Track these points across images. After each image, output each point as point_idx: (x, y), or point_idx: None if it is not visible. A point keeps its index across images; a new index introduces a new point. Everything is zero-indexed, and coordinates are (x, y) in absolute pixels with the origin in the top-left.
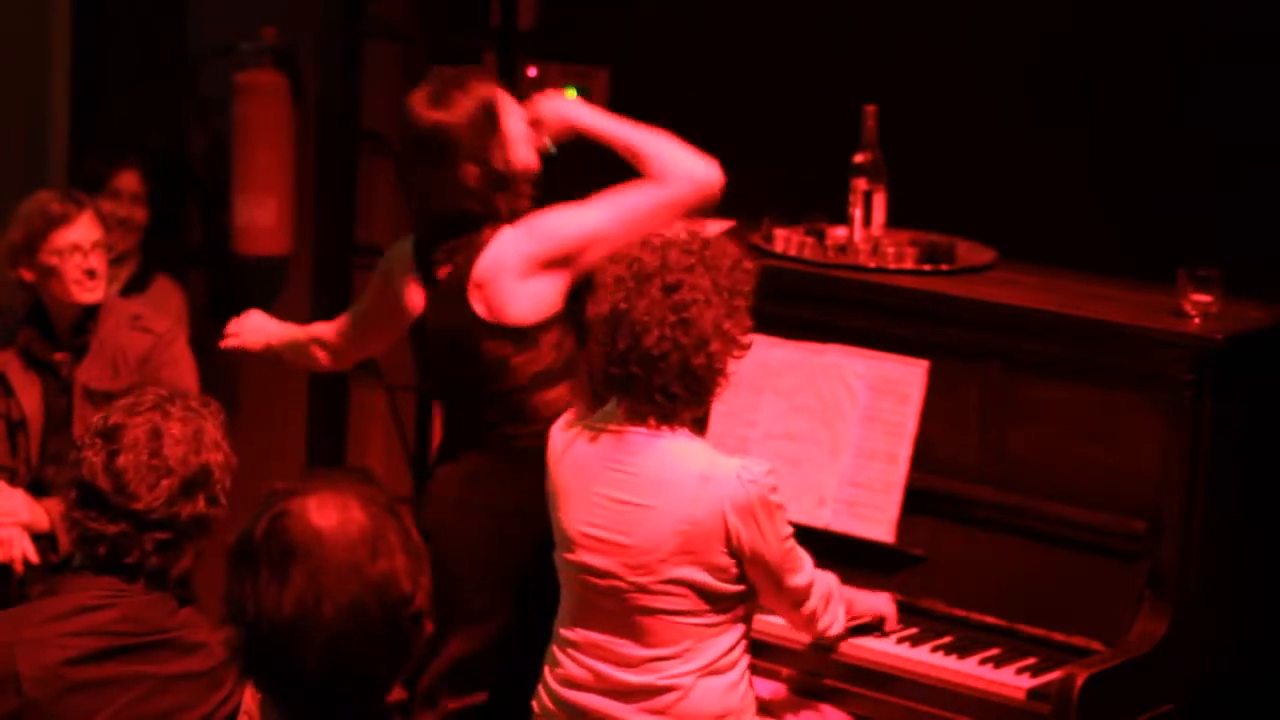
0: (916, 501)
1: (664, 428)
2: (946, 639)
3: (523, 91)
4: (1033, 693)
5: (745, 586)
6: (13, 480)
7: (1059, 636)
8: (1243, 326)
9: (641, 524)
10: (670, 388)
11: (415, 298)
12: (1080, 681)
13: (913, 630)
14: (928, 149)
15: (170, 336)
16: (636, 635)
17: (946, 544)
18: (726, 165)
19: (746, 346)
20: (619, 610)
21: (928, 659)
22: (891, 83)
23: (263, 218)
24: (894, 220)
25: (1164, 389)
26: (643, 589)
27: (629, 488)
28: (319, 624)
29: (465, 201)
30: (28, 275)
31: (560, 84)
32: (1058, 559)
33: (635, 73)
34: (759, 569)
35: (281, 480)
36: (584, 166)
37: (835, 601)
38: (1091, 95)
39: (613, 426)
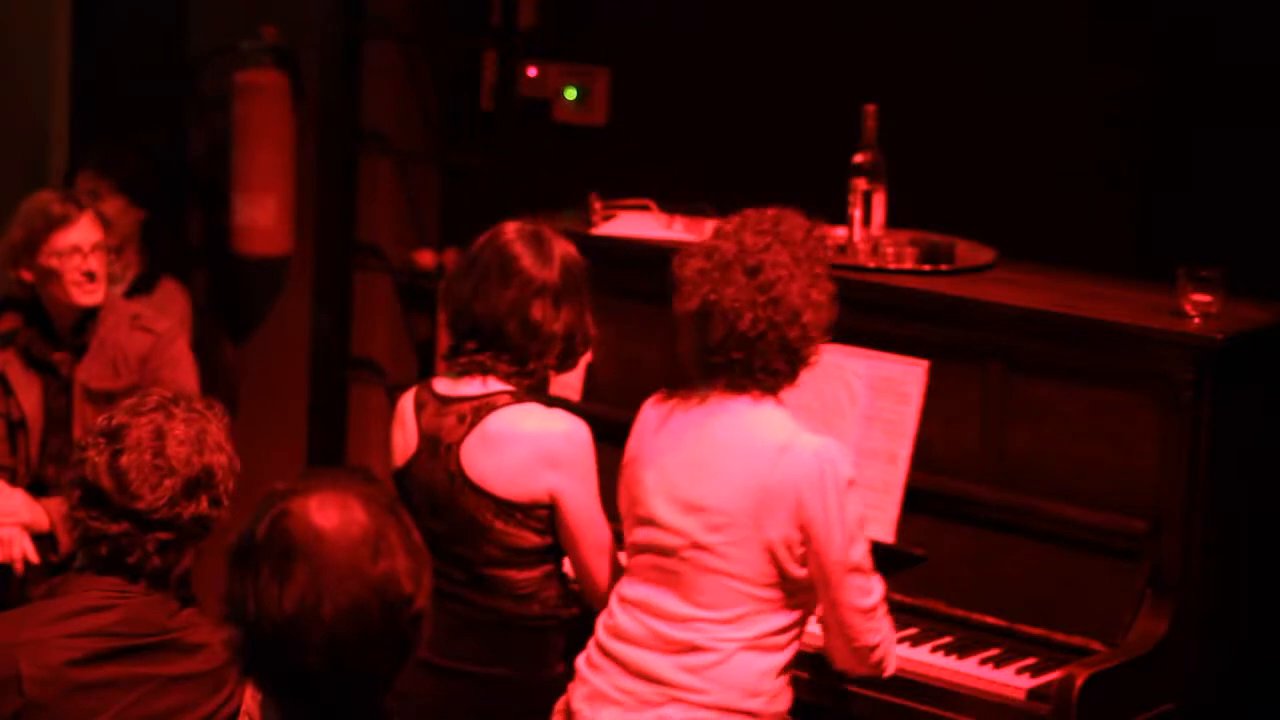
0: (916, 501)
1: (763, 398)
2: (946, 639)
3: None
4: (1033, 693)
5: (808, 576)
6: (13, 480)
7: (1059, 636)
8: (1243, 326)
9: (717, 486)
10: (772, 364)
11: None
12: (1080, 681)
13: (913, 630)
14: (928, 149)
15: (170, 336)
16: (694, 595)
17: (946, 544)
18: (726, 165)
19: (834, 311)
20: (682, 569)
21: (928, 659)
22: (891, 82)
23: (263, 218)
24: (894, 220)
25: (1164, 389)
26: (709, 549)
27: (710, 450)
28: (319, 624)
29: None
30: (28, 276)
31: (560, 84)
32: (1058, 559)
33: (635, 73)
34: (819, 558)
35: (281, 480)
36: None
37: (893, 640)
38: (1092, 95)
39: (704, 394)
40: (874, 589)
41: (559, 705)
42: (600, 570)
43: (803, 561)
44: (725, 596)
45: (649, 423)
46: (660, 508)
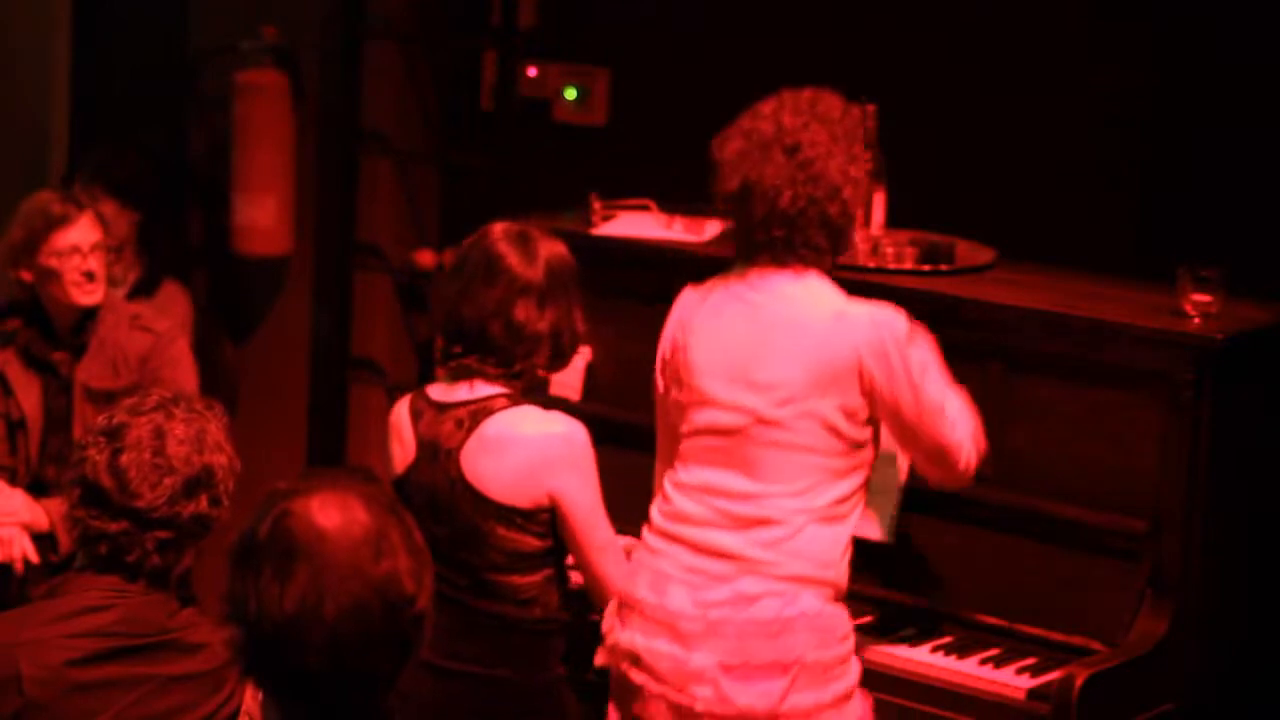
0: (916, 501)
1: (805, 270)
2: (946, 639)
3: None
4: (1033, 693)
5: (871, 433)
6: (13, 480)
7: (1059, 636)
8: (1243, 326)
9: (777, 362)
10: (813, 240)
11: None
12: (1080, 681)
13: (912, 630)
14: (928, 149)
15: (170, 336)
16: (759, 470)
17: (946, 544)
18: None
19: (868, 189)
20: (744, 447)
21: (928, 659)
22: (891, 82)
23: (263, 218)
24: (894, 220)
25: (1164, 389)
26: (775, 424)
27: (763, 327)
28: (321, 624)
29: (492, 326)
30: (27, 276)
31: (560, 84)
32: (1058, 559)
33: (635, 73)
34: (897, 417)
35: (282, 480)
36: None
37: (977, 439)
38: (1092, 95)
39: (747, 272)
40: (955, 420)
41: (610, 609)
42: (606, 569)
43: (867, 424)
44: (791, 469)
45: (688, 306)
46: (717, 388)
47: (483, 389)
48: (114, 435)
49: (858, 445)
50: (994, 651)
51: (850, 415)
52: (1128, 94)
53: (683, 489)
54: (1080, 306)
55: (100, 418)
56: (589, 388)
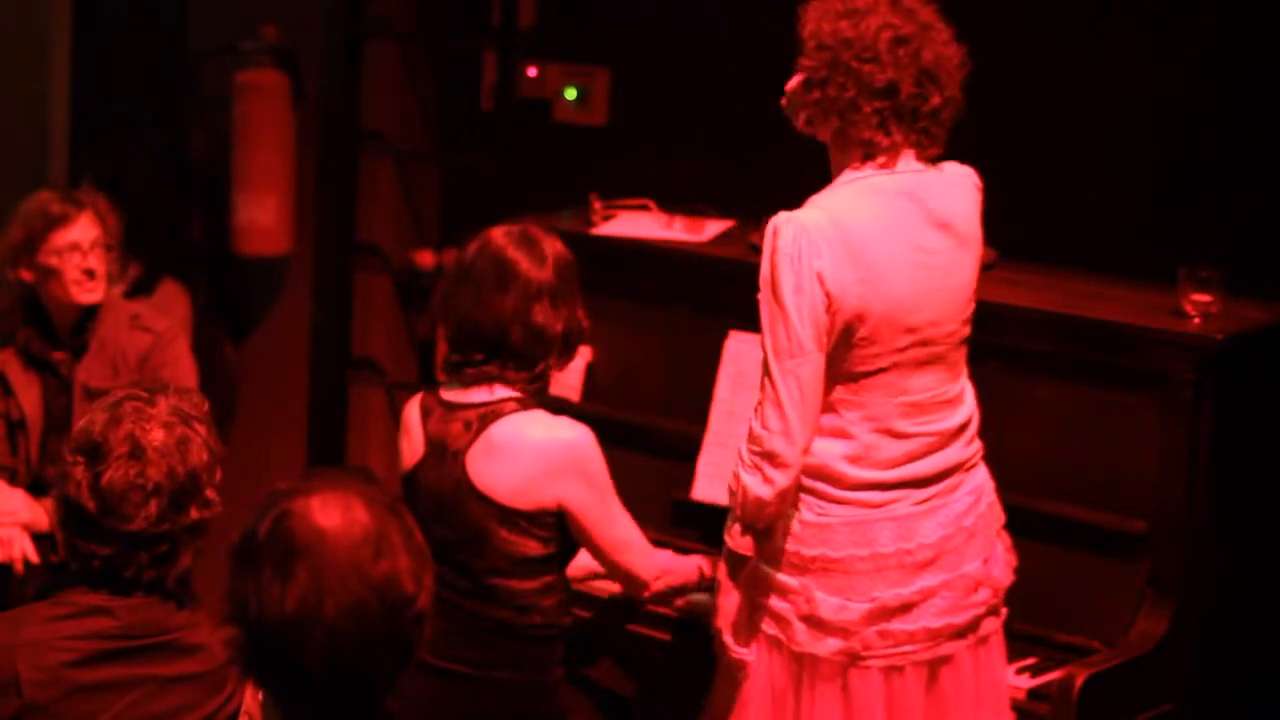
0: None
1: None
2: None
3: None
4: (1033, 693)
5: None
6: (13, 480)
7: (1059, 636)
8: (1243, 326)
9: (957, 260)
10: (941, 114)
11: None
12: (1080, 681)
13: None
14: None
15: (170, 336)
16: (956, 369)
17: None
18: (726, 165)
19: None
20: (948, 354)
21: None
22: None
23: (263, 218)
24: None
25: (1164, 389)
26: (967, 320)
27: (938, 227)
28: (321, 623)
29: (512, 330)
30: (27, 275)
31: (560, 84)
32: (1058, 559)
33: (635, 73)
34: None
35: (282, 480)
36: None
37: None
38: (1091, 95)
39: (897, 171)
40: None
41: (805, 597)
42: (629, 562)
43: None
44: (963, 359)
45: (872, 223)
46: (925, 310)
47: (501, 392)
48: (93, 455)
49: None
50: None
51: None
52: (1129, 95)
53: (880, 426)
54: (1080, 306)
55: (77, 426)
56: (589, 388)
